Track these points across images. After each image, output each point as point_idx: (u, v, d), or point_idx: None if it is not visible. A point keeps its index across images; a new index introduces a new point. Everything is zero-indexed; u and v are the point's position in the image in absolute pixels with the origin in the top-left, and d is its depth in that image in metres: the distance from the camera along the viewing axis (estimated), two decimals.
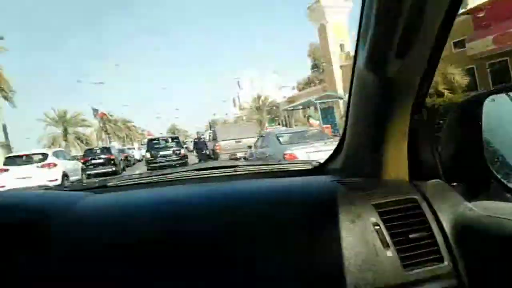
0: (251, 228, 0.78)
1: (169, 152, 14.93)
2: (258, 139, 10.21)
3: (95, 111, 37.63)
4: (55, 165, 10.23)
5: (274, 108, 39.72)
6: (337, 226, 0.79)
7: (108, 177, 1.96)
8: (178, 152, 14.96)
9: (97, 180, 1.30)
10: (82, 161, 16.52)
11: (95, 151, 17.46)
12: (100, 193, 0.96)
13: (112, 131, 43.15)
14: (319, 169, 1.17)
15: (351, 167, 1.03)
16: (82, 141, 31.63)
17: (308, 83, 46.65)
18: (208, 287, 0.70)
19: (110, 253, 0.70)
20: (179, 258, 0.71)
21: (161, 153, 14.89)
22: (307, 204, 0.87)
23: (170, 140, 15.72)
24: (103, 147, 18.36)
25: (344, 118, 1.14)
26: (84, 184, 1.30)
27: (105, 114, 40.25)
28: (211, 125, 17.27)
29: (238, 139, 13.53)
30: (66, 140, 30.82)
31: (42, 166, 9.98)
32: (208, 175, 1.16)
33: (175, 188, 1.04)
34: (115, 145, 28.13)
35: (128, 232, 0.75)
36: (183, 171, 1.27)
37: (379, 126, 0.91)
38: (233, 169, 1.18)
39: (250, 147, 10.69)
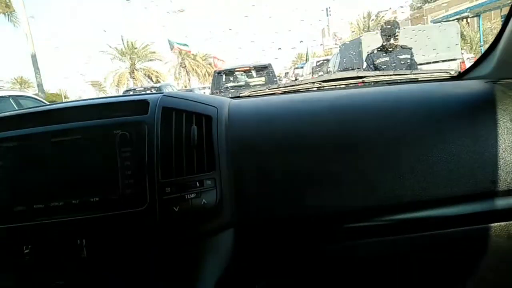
0: (391, 127, 0.82)
1: None
2: None
3: (171, 44, 31.35)
4: None
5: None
6: (495, 125, 0.79)
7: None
8: None
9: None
10: None
11: (136, 92, 10.67)
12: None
13: (191, 67, 37.01)
14: (458, 78, 1.11)
15: (503, 71, 0.96)
16: (151, 79, 25.95)
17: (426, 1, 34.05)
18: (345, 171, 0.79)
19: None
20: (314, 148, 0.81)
21: None
22: (459, 103, 0.87)
23: (254, 73, 7.73)
24: (151, 88, 11.45)
25: None
26: (221, 95, 1.35)
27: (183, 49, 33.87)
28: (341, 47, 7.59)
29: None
30: (133, 78, 25.48)
31: None
32: (334, 86, 1.14)
33: (303, 95, 1.05)
34: (192, 85, 22.04)
35: (276, 125, 0.85)
36: (309, 83, 1.20)
37: None
38: (361, 79, 1.15)
39: None
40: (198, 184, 0.74)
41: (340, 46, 9.02)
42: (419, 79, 1.14)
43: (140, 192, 0.73)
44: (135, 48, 26.47)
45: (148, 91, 10.81)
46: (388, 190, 0.77)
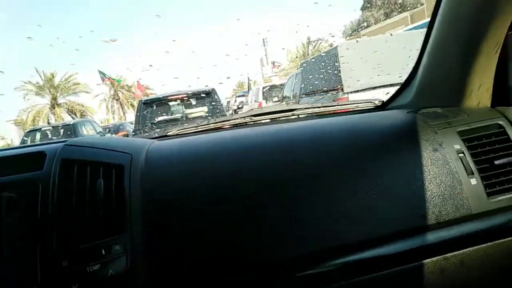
0: (317, 163, 0.78)
1: None
2: None
3: (103, 75, 28.18)
4: None
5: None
6: (418, 156, 0.78)
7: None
8: None
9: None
10: None
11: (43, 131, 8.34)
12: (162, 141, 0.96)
13: (125, 99, 33.79)
14: (382, 107, 1.12)
15: (423, 100, 0.99)
16: (75, 114, 22.63)
17: (360, 27, 35.68)
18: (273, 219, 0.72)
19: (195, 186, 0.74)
20: (245, 190, 0.74)
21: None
22: (383, 135, 0.86)
23: (194, 100, 5.81)
24: (63, 125, 9.01)
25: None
26: (145, 135, 1.27)
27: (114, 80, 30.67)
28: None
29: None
30: (54, 113, 22.01)
31: None
32: (265, 120, 1.13)
33: (234, 132, 1.04)
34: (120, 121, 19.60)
35: (199, 169, 0.78)
36: (240, 117, 1.15)
37: (467, 48, 0.86)
38: (291, 112, 1.14)
39: None
40: (104, 252, 0.64)
41: (301, 65, 7.56)
42: (346, 110, 1.15)
43: (30, 268, 0.63)
44: (51, 80, 23.07)
45: (60, 128, 8.45)
46: (320, 233, 0.73)
